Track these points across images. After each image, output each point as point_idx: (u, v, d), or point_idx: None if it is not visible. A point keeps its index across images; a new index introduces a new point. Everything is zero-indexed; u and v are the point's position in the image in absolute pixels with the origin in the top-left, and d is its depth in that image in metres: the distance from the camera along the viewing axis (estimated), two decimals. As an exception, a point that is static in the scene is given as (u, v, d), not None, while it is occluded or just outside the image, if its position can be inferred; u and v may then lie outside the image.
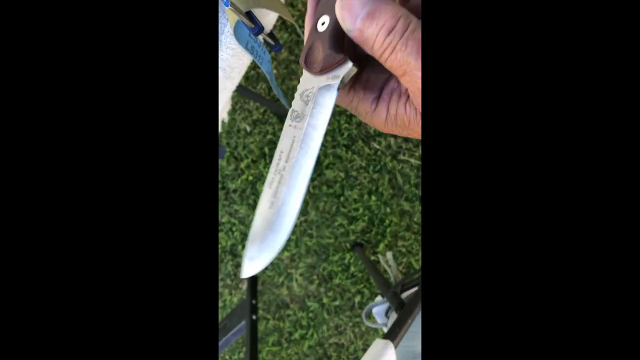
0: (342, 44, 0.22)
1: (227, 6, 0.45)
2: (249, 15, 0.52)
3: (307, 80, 0.23)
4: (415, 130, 0.21)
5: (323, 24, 0.22)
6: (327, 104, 0.23)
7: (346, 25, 0.20)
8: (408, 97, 0.22)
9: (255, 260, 0.23)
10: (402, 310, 0.71)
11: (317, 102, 0.23)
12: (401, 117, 0.22)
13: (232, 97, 1.27)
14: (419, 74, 0.19)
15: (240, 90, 1.02)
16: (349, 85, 0.23)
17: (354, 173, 1.18)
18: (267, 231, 0.23)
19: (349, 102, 0.24)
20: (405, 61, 0.19)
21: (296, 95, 0.24)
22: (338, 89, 0.23)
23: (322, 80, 0.23)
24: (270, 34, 0.62)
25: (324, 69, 0.22)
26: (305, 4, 1.20)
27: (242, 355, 1.26)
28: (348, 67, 0.22)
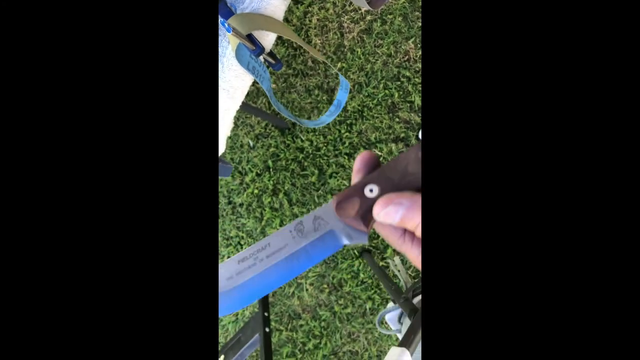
0: (371, 219, 0.24)
1: (229, 32, 0.46)
2: (250, 37, 0.53)
3: (329, 213, 0.25)
4: None
5: (371, 191, 0.24)
6: (329, 247, 0.25)
7: (386, 220, 0.23)
8: None
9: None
10: (415, 316, 0.72)
11: (323, 238, 0.25)
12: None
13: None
14: None
15: (242, 106, 1.03)
16: None
17: (358, 180, 1.18)
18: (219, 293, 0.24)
19: (379, 230, 0.26)
20: None
21: (312, 212, 0.25)
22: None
23: (340, 226, 0.25)
24: (271, 54, 0.64)
25: (347, 224, 0.25)
26: (300, 19, 1.22)
27: (257, 368, 1.26)
28: (363, 241, 0.25)
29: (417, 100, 1.17)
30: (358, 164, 0.25)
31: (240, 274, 0.24)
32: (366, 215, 0.24)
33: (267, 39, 0.57)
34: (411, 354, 0.65)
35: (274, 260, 0.24)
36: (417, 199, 0.22)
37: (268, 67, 0.66)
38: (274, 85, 1.25)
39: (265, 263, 0.24)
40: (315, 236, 0.25)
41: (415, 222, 0.22)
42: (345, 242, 0.25)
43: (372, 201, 0.24)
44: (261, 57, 0.60)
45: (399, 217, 0.22)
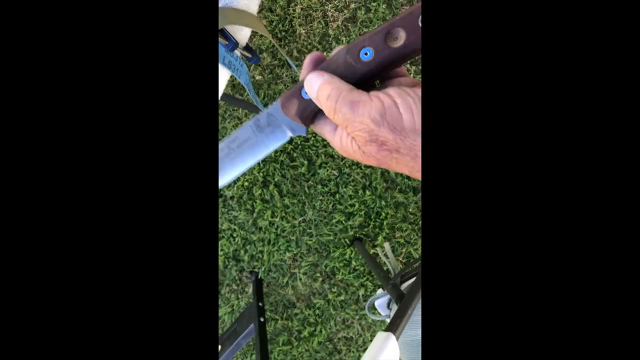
0: (309, 115, 0.30)
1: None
2: (222, 32, 0.53)
3: (278, 110, 0.31)
4: (357, 159, 0.29)
5: (307, 94, 0.29)
6: (279, 138, 0.32)
7: (309, 91, 0.28)
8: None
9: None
10: (402, 302, 0.73)
11: (274, 131, 0.31)
12: (348, 147, 0.28)
13: (220, 106, 1.28)
14: (356, 124, 0.25)
15: (229, 99, 1.03)
16: (318, 112, 0.30)
17: (346, 170, 1.19)
18: None
19: (318, 128, 0.31)
20: (344, 117, 0.25)
21: (266, 110, 0.31)
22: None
23: (285, 121, 0.31)
24: (247, 48, 0.64)
25: (291, 119, 0.31)
26: (283, 9, 1.21)
27: (254, 357, 1.29)
28: (302, 133, 0.31)
29: (404, 88, 1.17)
30: (307, 62, 0.29)
31: (221, 160, 0.31)
32: (303, 114, 0.29)
33: (242, 34, 0.57)
34: (397, 338, 0.67)
35: (242, 150, 0.31)
36: (336, 79, 0.26)
37: (246, 62, 0.66)
38: (259, 77, 1.24)
39: (237, 152, 0.31)
40: (268, 130, 0.31)
41: (325, 94, 0.26)
42: (290, 134, 0.31)
43: (308, 102, 0.29)
44: (237, 52, 0.60)
45: (317, 86, 0.26)
